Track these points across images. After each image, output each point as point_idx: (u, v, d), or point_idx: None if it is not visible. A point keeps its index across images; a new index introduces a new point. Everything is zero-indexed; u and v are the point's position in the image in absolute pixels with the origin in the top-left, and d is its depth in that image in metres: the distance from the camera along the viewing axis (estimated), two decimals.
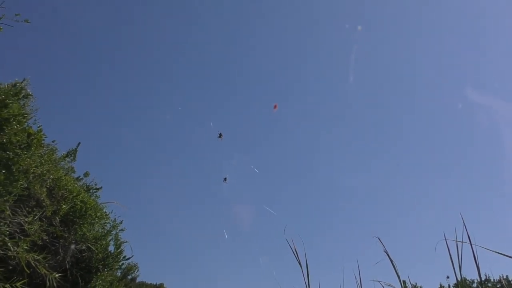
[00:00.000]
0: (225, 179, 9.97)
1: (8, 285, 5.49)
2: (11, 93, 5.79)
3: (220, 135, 9.87)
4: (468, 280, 14.35)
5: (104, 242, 7.64)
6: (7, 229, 5.84)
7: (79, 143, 8.03)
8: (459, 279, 3.23)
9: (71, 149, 7.96)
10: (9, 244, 5.75)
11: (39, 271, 6.08)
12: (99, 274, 7.50)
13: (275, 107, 10.72)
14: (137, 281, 17.07)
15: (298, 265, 3.82)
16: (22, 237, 5.97)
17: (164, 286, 23.89)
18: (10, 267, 5.83)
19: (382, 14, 39.10)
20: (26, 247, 5.91)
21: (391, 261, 3.80)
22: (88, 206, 7.38)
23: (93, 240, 7.42)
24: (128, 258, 8.28)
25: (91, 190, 8.15)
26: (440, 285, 12.92)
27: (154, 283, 22.07)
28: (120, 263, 8.18)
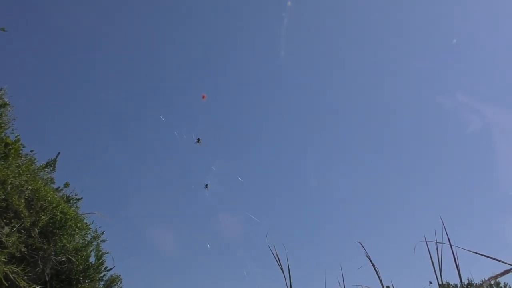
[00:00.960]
0: (206, 185, 9.86)
1: None
2: None
3: (198, 140, 9.75)
4: (451, 285, 14.45)
5: (84, 253, 7.51)
6: None
7: (58, 153, 7.93)
8: (439, 280, 3.25)
9: (50, 160, 7.83)
10: None
11: (17, 284, 5.94)
12: (79, 286, 7.36)
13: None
14: None
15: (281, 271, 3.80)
16: None
17: None
18: None
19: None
20: (4, 259, 5.79)
21: (373, 265, 3.81)
22: (68, 217, 7.23)
23: (74, 251, 7.29)
24: (110, 269, 8.18)
25: (71, 201, 8.03)
26: None
27: None
28: (102, 274, 8.05)
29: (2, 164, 5.99)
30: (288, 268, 3.70)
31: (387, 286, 3.75)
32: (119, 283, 13.96)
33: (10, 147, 6.48)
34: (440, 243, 3.00)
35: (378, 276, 3.71)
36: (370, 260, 3.77)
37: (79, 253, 7.39)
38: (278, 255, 3.94)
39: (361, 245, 3.90)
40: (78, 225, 7.51)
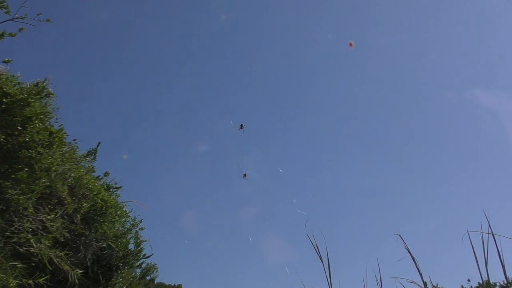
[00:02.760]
0: (245, 175, 9.73)
1: (31, 281, 5.61)
2: (33, 92, 5.92)
3: (242, 126, 9.57)
4: (491, 283, 14.05)
5: (124, 240, 7.78)
6: (30, 226, 5.96)
7: (99, 143, 8.24)
8: (483, 274, 3.19)
9: (91, 149, 8.14)
10: (32, 241, 5.89)
11: (61, 268, 6.19)
12: (119, 272, 7.66)
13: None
14: (156, 281, 17.25)
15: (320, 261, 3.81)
16: (44, 234, 6.12)
17: (183, 287, 24.09)
18: (33, 264, 5.94)
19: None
20: (48, 244, 6.05)
21: (413, 258, 3.76)
22: (109, 204, 7.49)
23: (114, 238, 7.55)
24: (148, 256, 8.42)
25: (111, 189, 8.29)
26: (462, 287, 12.67)
27: (173, 284, 22.29)
28: (140, 261, 8.28)
29: (47, 152, 6.20)
30: (328, 257, 3.69)
31: (424, 282, 3.70)
32: (155, 271, 14.28)
33: (54, 135, 6.63)
34: (486, 233, 2.93)
35: (418, 269, 3.66)
36: (410, 252, 3.73)
37: (119, 240, 7.66)
38: (317, 244, 3.96)
39: (401, 237, 3.85)
40: (118, 212, 7.75)
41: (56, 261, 6.17)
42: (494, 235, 2.92)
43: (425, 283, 3.71)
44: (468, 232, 3.01)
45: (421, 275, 3.69)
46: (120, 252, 7.66)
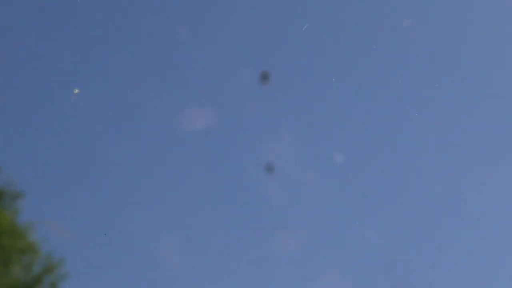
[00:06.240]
0: (270, 167, 7.26)
1: None
2: None
3: (265, 75, 6.65)
4: None
5: None
6: None
7: None
8: None
9: None
10: None
11: None
12: None
13: None
14: None
15: None
16: None
17: None
18: None
19: None
20: None
21: None
22: (1, 228, 6.64)
23: None
24: None
25: (3, 198, 7.14)
26: None
27: None
28: None
29: None
30: None
31: None
32: None
33: None
34: None
35: None
36: None
37: None
38: None
39: None
40: (17, 244, 6.69)
41: None
42: None
43: None
44: None
45: None
46: None
